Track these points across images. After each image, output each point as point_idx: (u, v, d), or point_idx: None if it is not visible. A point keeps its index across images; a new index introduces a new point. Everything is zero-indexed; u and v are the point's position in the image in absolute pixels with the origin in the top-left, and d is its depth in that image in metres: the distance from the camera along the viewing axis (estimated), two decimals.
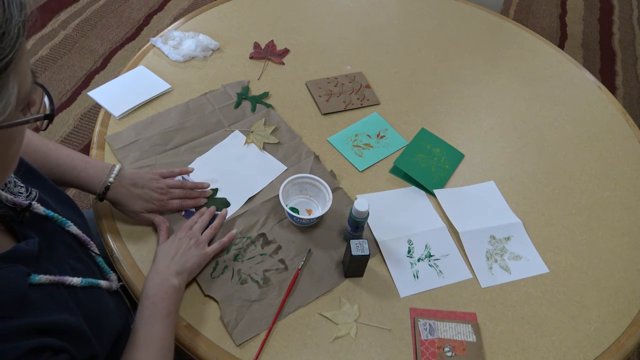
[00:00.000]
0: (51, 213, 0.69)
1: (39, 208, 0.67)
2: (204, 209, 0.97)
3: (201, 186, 1.00)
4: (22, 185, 0.69)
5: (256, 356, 0.80)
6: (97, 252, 0.77)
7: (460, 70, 1.34)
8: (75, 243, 0.73)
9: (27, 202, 0.66)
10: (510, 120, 1.23)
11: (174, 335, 0.78)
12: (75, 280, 0.64)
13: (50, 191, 0.75)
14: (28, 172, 0.73)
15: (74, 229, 0.72)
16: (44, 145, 0.87)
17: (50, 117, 0.55)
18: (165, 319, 0.76)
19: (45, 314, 0.57)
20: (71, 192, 1.91)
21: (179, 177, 1.01)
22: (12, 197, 0.65)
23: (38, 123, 0.55)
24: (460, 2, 1.55)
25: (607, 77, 2.60)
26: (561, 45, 2.74)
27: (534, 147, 1.18)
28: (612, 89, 2.54)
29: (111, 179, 0.88)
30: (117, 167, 0.89)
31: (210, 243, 0.91)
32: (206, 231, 0.92)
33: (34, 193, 0.69)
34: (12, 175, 0.67)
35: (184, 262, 0.84)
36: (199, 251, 0.87)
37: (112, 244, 0.91)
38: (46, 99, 0.56)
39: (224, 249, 0.92)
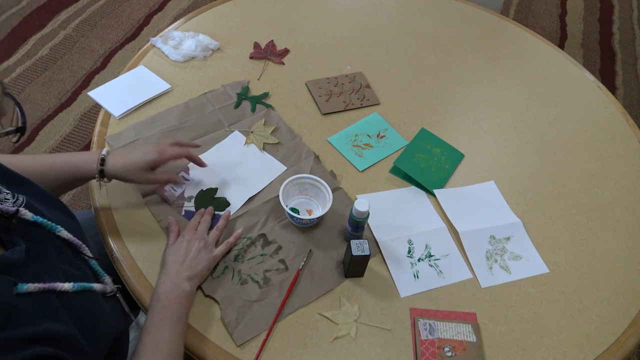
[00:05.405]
0: (40, 219, 0.67)
1: (27, 214, 0.66)
2: (202, 209, 0.97)
3: (193, 145, 1.02)
4: (7, 191, 0.67)
5: (256, 356, 0.81)
6: (90, 255, 0.75)
7: (460, 70, 1.34)
8: (67, 247, 0.71)
9: (14, 208, 0.64)
10: (510, 120, 1.23)
11: (183, 340, 0.78)
12: (67, 286, 0.63)
13: (39, 196, 0.73)
14: (14, 179, 0.71)
15: (64, 233, 0.70)
16: (31, 159, 0.87)
17: (22, 130, 0.53)
18: (175, 323, 0.77)
19: (35, 323, 0.56)
20: (70, 194, 1.91)
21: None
22: None
23: (11, 137, 0.53)
24: (460, 2, 1.55)
25: (607, 77, 2.60)
26: (561, 45, 2.74)
27: (534, 147, 1.18)
28: (612, 89, 2.54)
29: (104, 152, 0.89)
30: (106, 148, 0.91)
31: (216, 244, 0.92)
32: (212, 232, 0.92)
33: (20, 199, 0.67)
34: None
35: (195, 267, 0.85)
36: (207, 254, 0.87)
37: (112, 244, 0.91)
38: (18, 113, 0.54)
39: (230, 249, 0.92)
